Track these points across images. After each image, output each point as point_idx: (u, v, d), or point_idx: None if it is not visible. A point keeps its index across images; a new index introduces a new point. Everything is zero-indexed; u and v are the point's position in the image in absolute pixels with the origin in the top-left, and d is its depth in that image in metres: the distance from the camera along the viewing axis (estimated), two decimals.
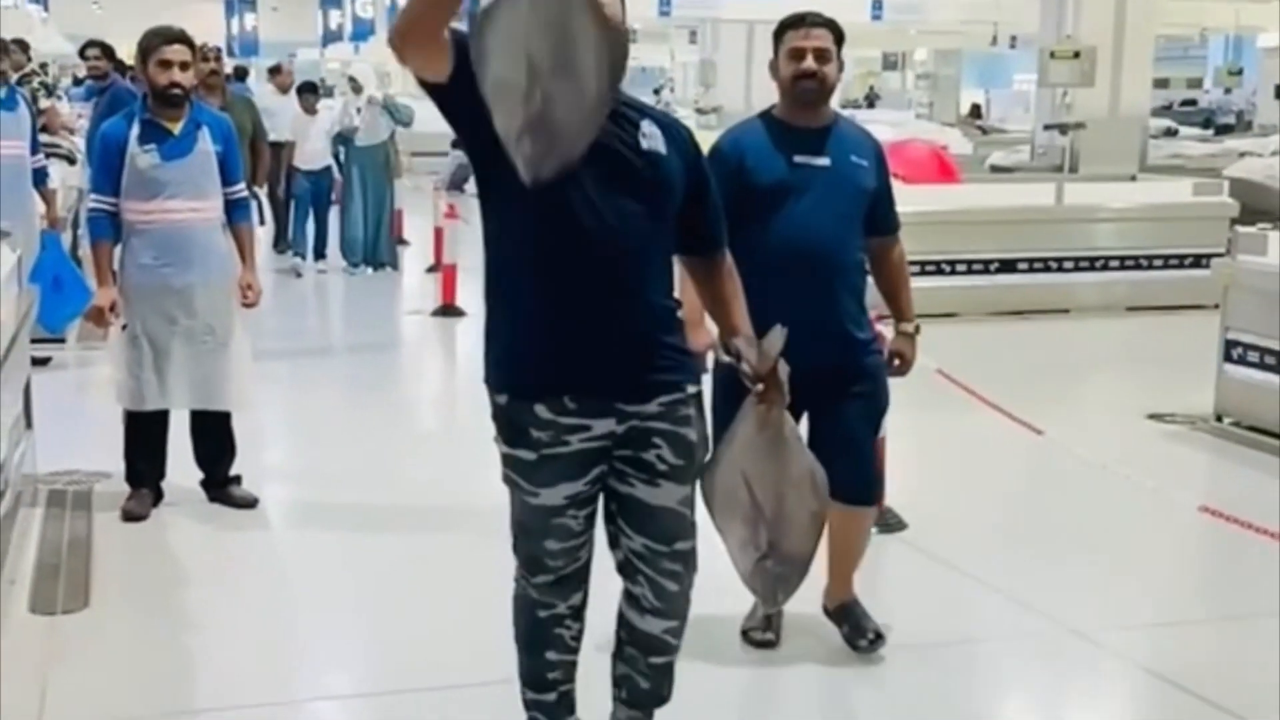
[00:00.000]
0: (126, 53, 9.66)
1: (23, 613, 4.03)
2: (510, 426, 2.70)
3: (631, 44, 2.77)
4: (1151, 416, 6.60)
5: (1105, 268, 9.71)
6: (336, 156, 11.56)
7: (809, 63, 3.46)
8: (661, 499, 2.74)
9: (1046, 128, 11.05)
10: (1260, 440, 6.14)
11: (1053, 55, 10.27)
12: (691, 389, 2.76)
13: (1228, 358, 6.33)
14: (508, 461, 2.72)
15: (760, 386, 2.74)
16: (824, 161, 3.51)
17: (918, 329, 3.78)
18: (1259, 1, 14.76)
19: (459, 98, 2.45)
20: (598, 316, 2.64)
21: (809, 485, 2.84)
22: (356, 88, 11.58)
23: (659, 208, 2.69)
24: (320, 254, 11.54)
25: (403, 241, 12.58)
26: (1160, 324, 9.21)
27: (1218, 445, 6.26)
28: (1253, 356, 6.19)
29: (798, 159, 3.51)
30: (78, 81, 16.45)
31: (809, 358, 3.07)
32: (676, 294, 2.83)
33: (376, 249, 11.51)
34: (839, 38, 3.54)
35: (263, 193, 8.51)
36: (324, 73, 36.60)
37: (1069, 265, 9.63)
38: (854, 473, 3.55)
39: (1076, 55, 10.20)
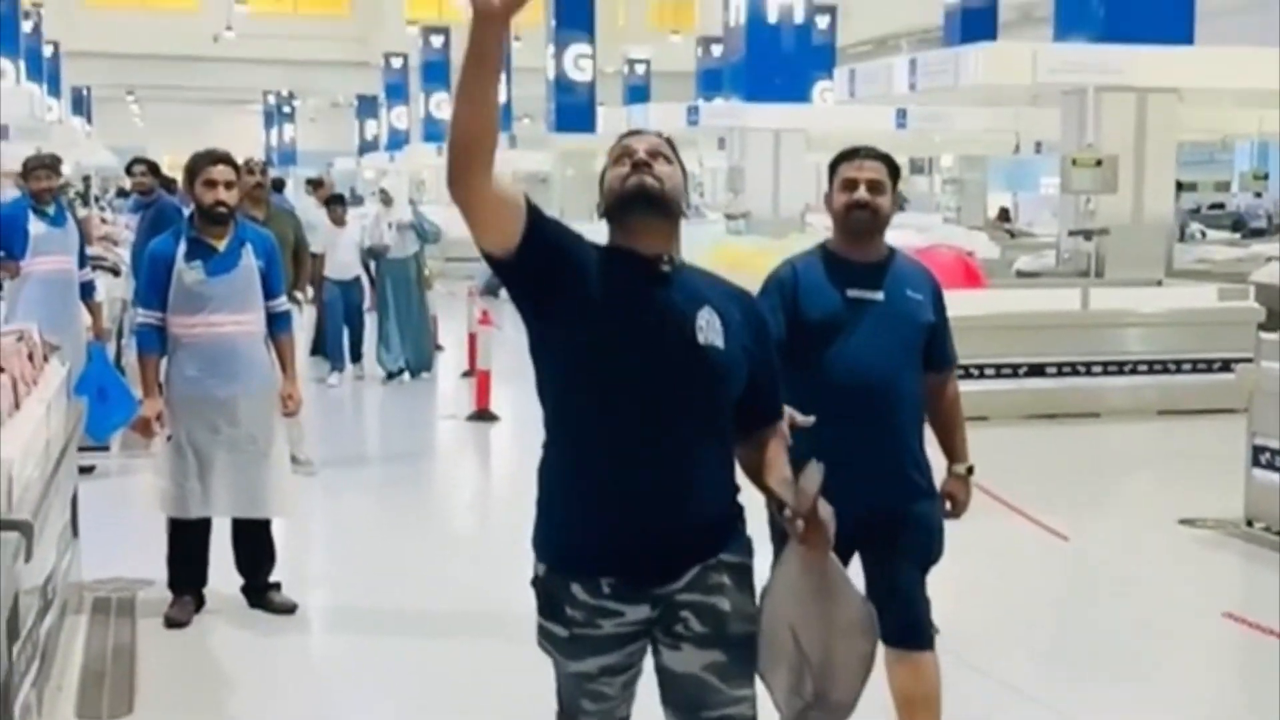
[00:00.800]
0: (168, 164, 9.98)
1: (70, 719, 4.11)
2: (546, 598, 2.65)
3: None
4: (1183, 522, 6.62)
5: (1134, 372, 9.77)
6: (367, 268, 11.79)
7: (861, 193, 3.45)
8: (684, 664, 2.62)
9: (1071, 234, 11.16)
10: None
11: (1075, 163, 10.43)
12: (729, 557, 2.64)
13: (1256, 463, 6.36)
14: (541, 631, 2.68)
15: (801, 525, 2.59)
16: (878, 296, 3.47)
17: (970, 470, 3.67)
18: None
19: (523, 276, 2.49)
20: (644, 506, 2.57)
21: (858, 629, 2.70)
22: (387, 200, 11.80)
23: (715, 400, 2.61)
24: (355, 358, 11.72)
25: (438, 347, 12.77)
26: (1191, 428, 9.23)
27: (1249, 550, 6.27)
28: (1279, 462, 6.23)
29: (851, 292, 3.46)
30: (122, 193, 16.81)
31: (863, 499, 3.00)
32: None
33: (415, 358, 11.66)
34: (894, 171, 3.54)
35: (305, 299, 8.68)
36: (360, 181, 37.27)
37: (1097, 369, 9.70)
38: (904, 618, 3.46)
39: (1098, 163, 10.36)
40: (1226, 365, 8.96)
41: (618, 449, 2.56)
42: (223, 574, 5.20)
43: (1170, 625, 5.08)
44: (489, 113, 2.40)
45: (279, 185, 19.14)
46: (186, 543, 5.13)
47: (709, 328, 2.58)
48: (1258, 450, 6.35)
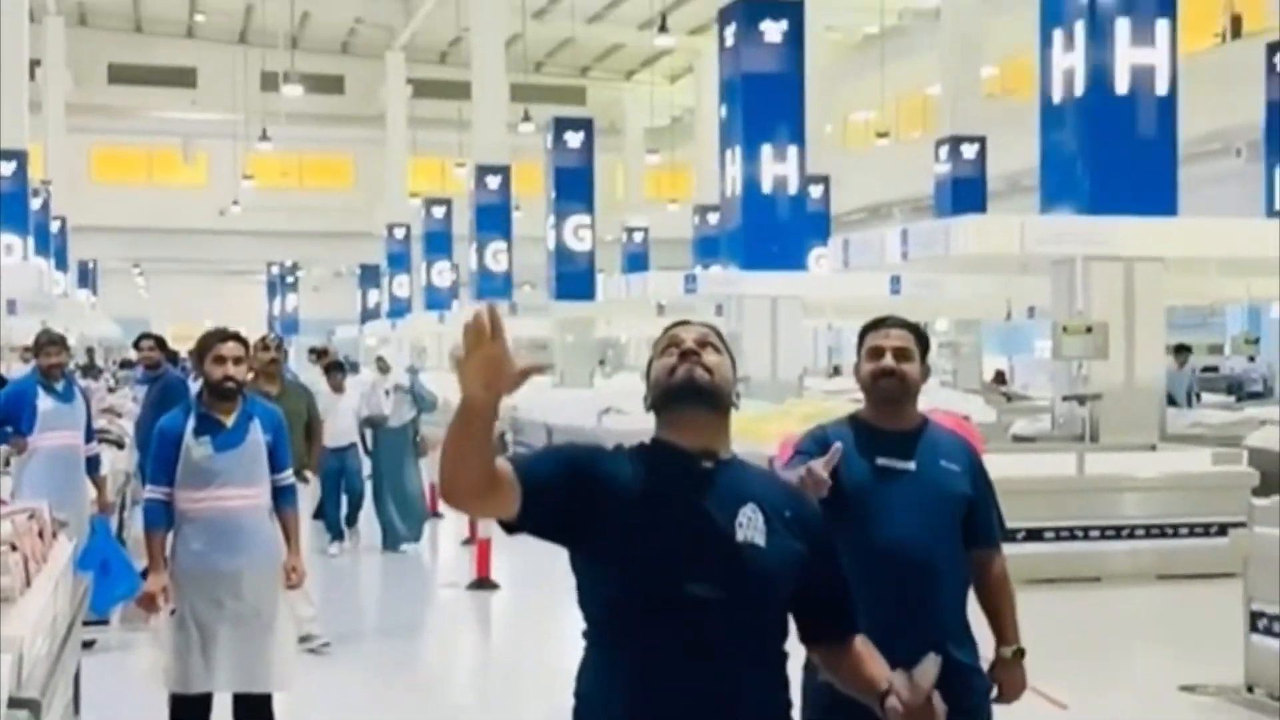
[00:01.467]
0: (172, 335, 10.21)
1: None
2: None
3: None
4: (1184, 688, 6.61)
5: (1132, 536, 9.81)
6: (363, 436, 11.81)
7: (888, 360, 3.42)
8: None
9: (1065, 399, 11.31)
10: None
11: (1065, 330, 10.63)
12: None
13: (1253, 628, 6.39)
14: None
15: None
16: (909, 465, 3.39)
17: (1020, 653, 3.53)
18: (1267, 276, 15.18)
19: (536, 529, 2.46)
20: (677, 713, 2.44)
21: None
22: (384, 368, 11.93)
23: (760, 604, 2.48)
24: (351, 523, 11.69)
25: (436, 515, 12.78)
26: (1190, 592, 9.24)
27: (1251, 717, 6.25)
28: (1277, 627, 6.25)
29: (881, 461, 3.39)
30: (125, 364, 17.02)
31: None
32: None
33: (409, 528, 11.63)
34: (921, 340, 3.50)
35: (315, 476, 8.77)
36: (362, 349, 37.68)
37: (1095, 534, 9.74)
38: None
39: (1089, 330, 10.56)
40: (1223, 529, 9.02)
41: (655, 666, 2.43)
42: None
43: None
44: (478, 468, 2.33)
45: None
46: (188, 717, 5.13)
47: (750, 525, 2.46)
48: (1255, 616, 6.38)
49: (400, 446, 11.74)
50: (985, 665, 3.49)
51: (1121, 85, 11.50)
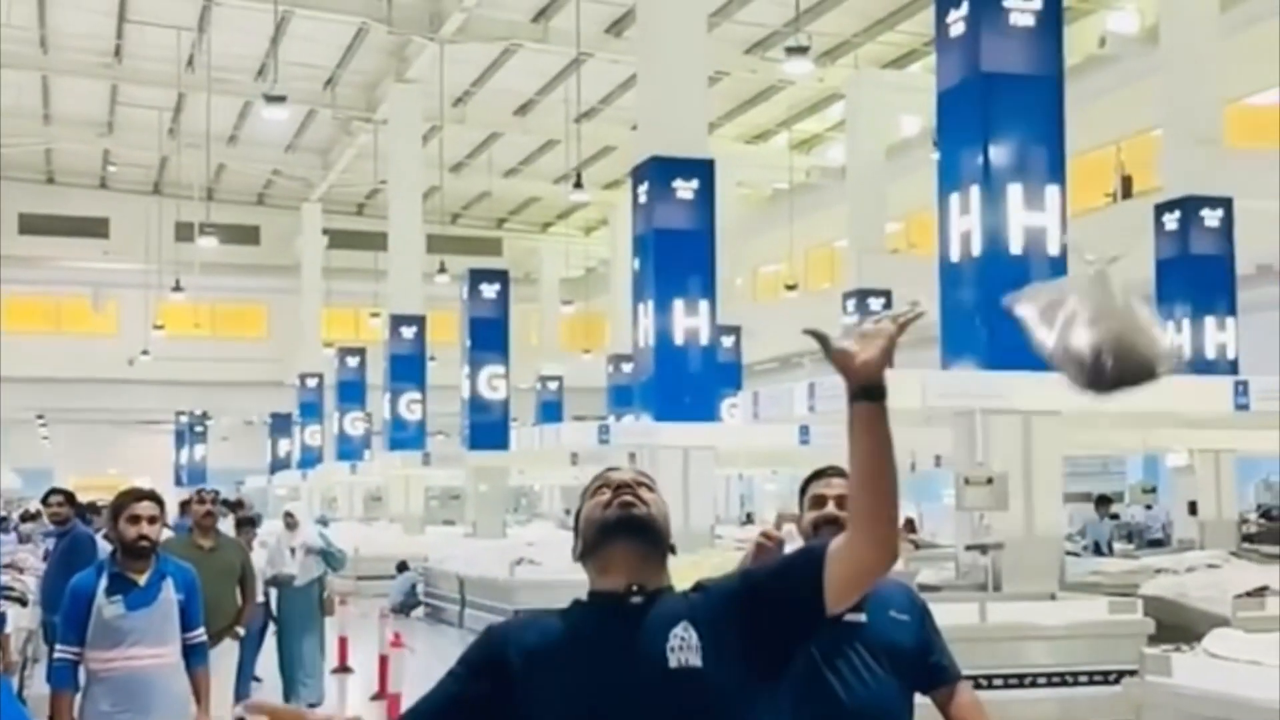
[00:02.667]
0: (75, 485, 10.13)
1: None
2: None
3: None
4: None
5: (1035, 684, 9.99)
6: (266, 596, 11.22)
7: (830, 509, 3.42)
8: None
9: (968, 548, 11.57)
10: None
11: (967, 481, 10.94)
12: None
13: None
14: None
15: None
16: (860, 618, 3.37)
17: None
18: (1164, 427, 15.72)
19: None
20: None
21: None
22: (291, 524, 11.26)
23: None
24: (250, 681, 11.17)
25: (346, 669, 12.57)
26: None
27: None
28: None
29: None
30: (26, 517, 16.74)
31: None
32: None
33: (307, 689, 11.07)
34: None
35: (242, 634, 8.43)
36: (271, 499, 37.24)
37: (999, 683, 9.90)
38: None
39: (989, 481, 10.88)
40: (1120, 677, 9.25)
41: None
42: None
43: None
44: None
45: (185, 505, 19.02)
46: None
47: (684, 646, 2.30)
48: None
49: (307, 606, 11.28)
50: None
51: (1016, 246, 12.01)
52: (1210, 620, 8.78)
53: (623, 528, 2.39)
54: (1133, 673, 7.78)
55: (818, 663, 3.34)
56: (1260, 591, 10.31)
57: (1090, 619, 10.34)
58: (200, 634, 5.44)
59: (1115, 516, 23.03)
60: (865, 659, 3.38)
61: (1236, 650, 6.48)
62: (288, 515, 11.56)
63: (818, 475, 3.59)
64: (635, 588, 2.35)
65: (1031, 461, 11.82)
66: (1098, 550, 16.08)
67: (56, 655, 5.25)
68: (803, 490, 3.64)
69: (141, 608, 5.21)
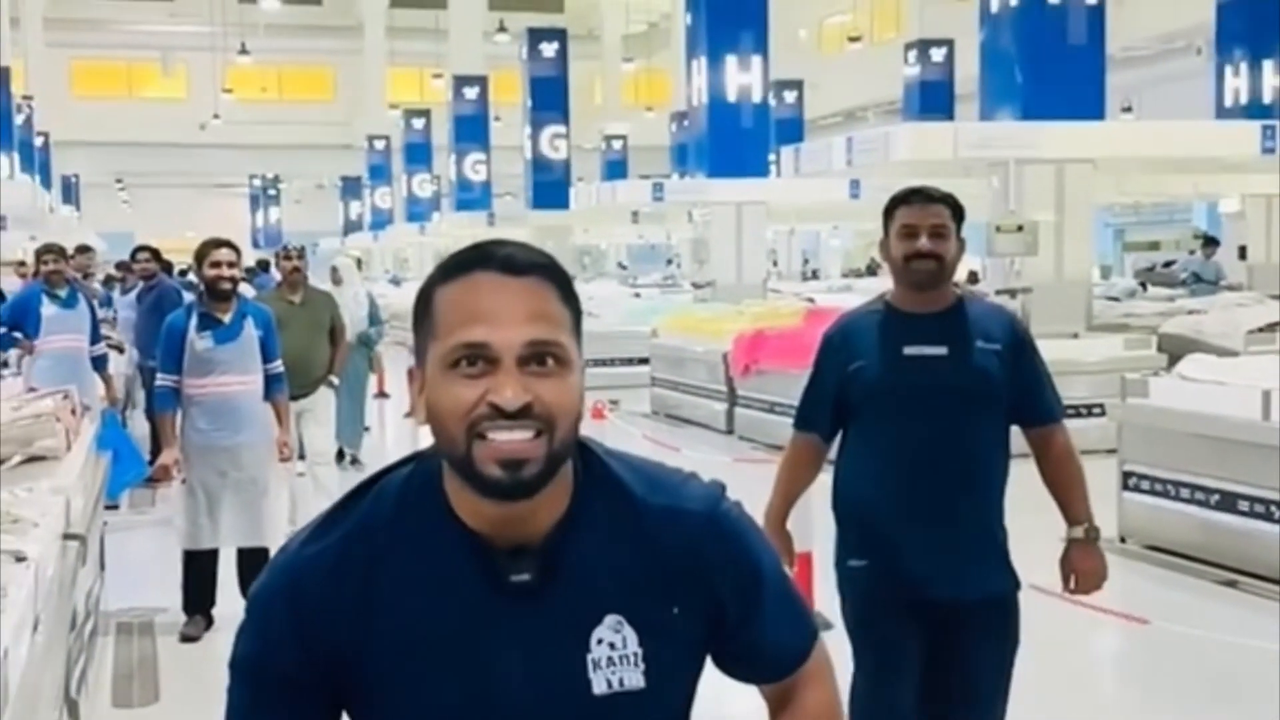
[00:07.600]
0: (159, 247, 10.71)
1: (106, 707, 4.99)
2: None
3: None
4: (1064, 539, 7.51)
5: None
6: None
7: (924, 241, 3.07)
8: None
9: (999, 293, 12.13)
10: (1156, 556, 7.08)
11: (998, 229, 11.44)
12: None
13: (1125, 487, 7.29)
14: None
15: None
16: (939, 351, 3.11)
17: (1091, 533, 3.23)
18: (1213, 173, 15.96)
19: None
20: None
21: None
22: (337, 280, 10.61)
23: None
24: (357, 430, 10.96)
25: (384, 394, 13.53)
26: (1086, 463, 10.11)
27: (1125, 564, 7.17)
28: (1145, 485, 7.16)
29: (909, 350, 3.11)
30: (109, 281, 17.30)
31: (935, 586, 2.95)
32: None
33: (348, 442, 10.60)
34: (957, 213, 3.15)
35: (339, 383, 8.44)
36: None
37: None
38: None
39: (1020, 228, 11.37)
40: None
41: None
42: (228, 599, 6.07)
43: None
44: None
45: (264, 265, 19.88)
46: (198, 571, 6.03)
47: (616, 661, 1.44)
48: (1126, 475, 7.29)
49: (352, 364, 10.00)
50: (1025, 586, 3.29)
51: None
52: (1222, 354, 9.32)
53: (505, 494, 1.41)
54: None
55: (889, 394, 3.11)
56: (1272, 327, 10.88)
57: (1107, 355, 10.94)
58: (278, 365, 6.20)
59: (1168, 262, 23.42)
60: (941, 396, 3.09)
61: (1206, 372, 7.07)
62: (334, 270, 10.77)
63: (907, 198, 3.14)
64: (518, 551, 1.44)
65: (1064, 209, 12.26)
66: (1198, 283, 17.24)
67: (159, 383, 6.05)
68: (888, 215, 3.18)
69: (227, 342, 5.97)
